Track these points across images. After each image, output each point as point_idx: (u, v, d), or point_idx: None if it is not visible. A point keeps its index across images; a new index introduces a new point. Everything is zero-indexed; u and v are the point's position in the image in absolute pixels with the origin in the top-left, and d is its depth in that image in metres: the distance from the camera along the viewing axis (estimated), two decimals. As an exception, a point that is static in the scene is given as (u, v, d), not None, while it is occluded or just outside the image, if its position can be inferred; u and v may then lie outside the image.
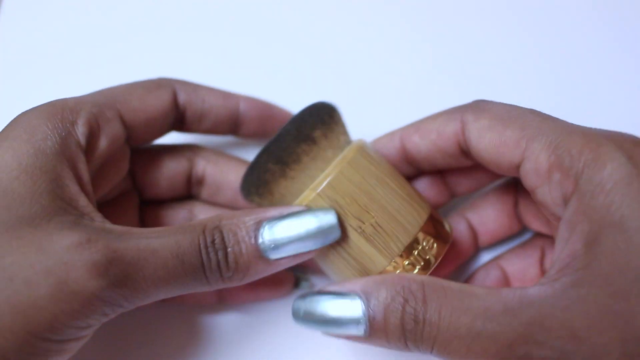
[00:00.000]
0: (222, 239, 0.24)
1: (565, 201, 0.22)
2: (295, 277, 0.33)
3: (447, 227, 0.28)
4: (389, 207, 0.25)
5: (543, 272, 0.31)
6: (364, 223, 0.25)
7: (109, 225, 0.23)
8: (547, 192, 0.23)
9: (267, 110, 0.32)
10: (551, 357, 0.20)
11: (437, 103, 0.37)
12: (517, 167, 0.25)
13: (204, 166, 0.31)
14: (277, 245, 0.24)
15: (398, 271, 0.25)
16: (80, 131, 0.25)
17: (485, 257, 0.34)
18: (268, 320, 0.32)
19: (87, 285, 0.21)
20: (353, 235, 0.25)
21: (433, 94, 0.39)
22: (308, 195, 0.25)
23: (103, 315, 0.22)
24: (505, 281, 0.31)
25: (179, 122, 0.31)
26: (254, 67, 0.39)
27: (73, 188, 0.23)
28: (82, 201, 0.23)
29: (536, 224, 0.31)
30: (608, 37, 0.40)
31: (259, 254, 0.24)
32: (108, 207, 0.29)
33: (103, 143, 0.26)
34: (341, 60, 0.40)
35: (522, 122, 0.24)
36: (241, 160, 0.32)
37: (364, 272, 0.25)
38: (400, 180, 0.27)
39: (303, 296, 0.24)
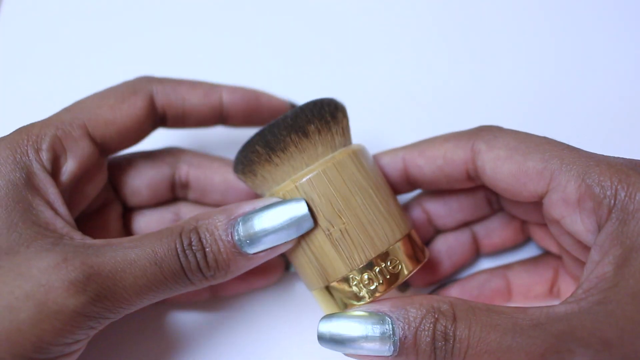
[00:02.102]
0: (200, 239, 0.24)
1: (600, 228, 0.23)
2: (284, 261, 0.32)
3: (423, 252, 0.27)
4: (362, 218, 0.25)
5: (552, 292, 0.31)
6: (333, 227, 0.25)
7: (88, 240, 0.24)
8: (578, 220, 0.24)
9: (253, 100, 0.31)
10: None
11: (440, 109, 0.37)
12: (540, 196, 0.25)
13: (186, 170, 0.31)
14: (253, 240, 0.24)
15: (354, 282, 0.25)
16: (45, 157, 0.25)
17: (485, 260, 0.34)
18: (261, 312, 0.32)
19: (66, 303, 0.22)
20: (320, 236, 0.25)
21: (437, 98, 0.38)
22: (286, 186, 0.25)
23: (90, 329, 0.23)
24: (507, 292, 0.31)
25: (161, 121, 0.30)
26: (264, 69, 0.39)
27: (48, 213, 0.24)
28: (59, 223, 0.24)
29: (545, 242, 0.31)
30: (617, 59, 0.39)
31: (237, 250, 0.24)
32: (91, 218, 0.29)
33: (71, 165, 0.26)
34: (348, 63, 0.39)
35: (542, 153, 0.24)
36: (225, 161, 0.32)
37: (323, 274, 0.25)
38: (385, 194, 0.26)
39: (329, 318, 0.24)
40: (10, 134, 0.26)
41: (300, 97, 0.32)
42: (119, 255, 0.23)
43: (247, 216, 0.24)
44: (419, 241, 0.27)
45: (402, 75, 0.39)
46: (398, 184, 0.29)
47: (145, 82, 0.29)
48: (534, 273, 0.31)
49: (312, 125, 0.25)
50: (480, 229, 0.32)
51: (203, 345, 0.31)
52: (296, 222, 0.24)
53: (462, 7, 0.41)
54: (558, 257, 0.31)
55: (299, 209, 0.24)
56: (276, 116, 0.31)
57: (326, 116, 0.26)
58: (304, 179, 0.25)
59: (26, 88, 0.39)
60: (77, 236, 0.24)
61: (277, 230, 0.24)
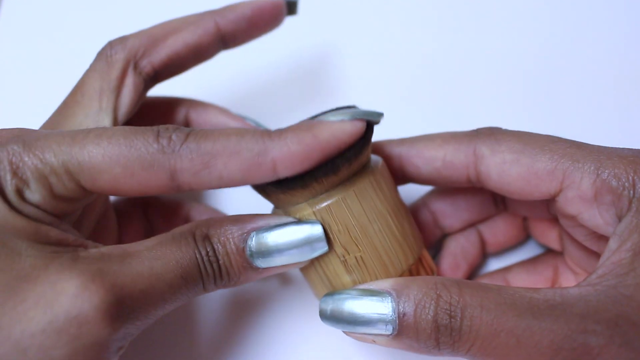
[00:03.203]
0: (214, 251, 0.23)
1: (620, 220, 0.23)
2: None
3: (432, 270, 0.27)
4: (378, 246, 0.24)
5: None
6: (348, 254, 0.24)
7: (103, 249, 0.22)
8: (597, 215, 0.24)
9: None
10: (611, 344, 0.20)
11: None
12: (553, 195, 0.25)
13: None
14: (264, 256, 0.23)
15: None
16: (31, 198, 0.22)
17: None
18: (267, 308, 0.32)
19: (101, 334, 0.21)
20: (335, 261, 0.24)
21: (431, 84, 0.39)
22: (303, 209, 0.24)
23: (119, 349, 0.22)
24: None
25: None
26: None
27: (54, 232, 0.22)
28: (71, 237, 0.22)
29: (545, 238, 0.31)
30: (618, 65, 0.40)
31: (248, 265, 0.24)
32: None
33: (61, 205, 0.23)
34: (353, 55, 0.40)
35: (550, 152, 0.24)
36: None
37: None
38: (400, 215, 0.26)
39: (331, 294, 0.24)
40: None
41: (301, 91, 0.32)
42: (145, 270, 0.22)
43: (261, 232, 0.23)
44: (428, 259, 0.27)
45: (405, 62, 0.39)
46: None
47: (167, 155, 0.22)
48: (533, 273, 0.31)
49: (348, 164, 0.24)
50: (485, 228, 0.32)
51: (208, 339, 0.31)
52: (310, 245, 0.24)
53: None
54: (557, 255, 0.31)
55: (314, 232, 0.24)
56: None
57: (358, 154, 0.24)
58: (323, 205, 0.24)
59: (26, 88, 0.38)
60: (90, 244, 0.23)
61: (290, 251, 0.24)
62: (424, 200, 0.32)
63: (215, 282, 0.24)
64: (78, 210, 0.25)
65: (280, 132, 0.23)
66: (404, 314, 0.21)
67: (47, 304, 0.20)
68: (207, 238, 0.23)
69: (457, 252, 0.31)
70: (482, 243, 0.32)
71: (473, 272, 0.33)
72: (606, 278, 0.22)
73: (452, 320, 0.21)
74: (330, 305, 0.23)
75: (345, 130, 0.23)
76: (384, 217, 0.25)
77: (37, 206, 0.22)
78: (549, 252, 0.32)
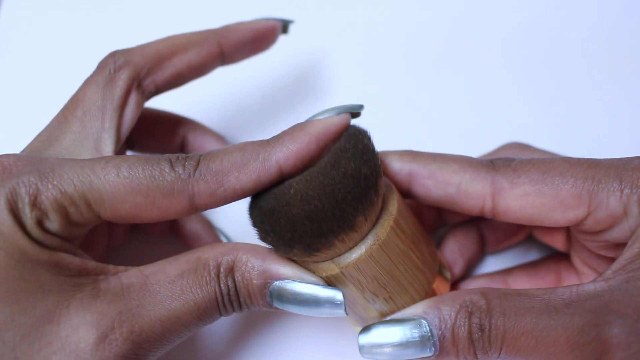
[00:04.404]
0: (236, 290, 0.24)
1: None
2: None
3: (446, 275, 0.28)
4: (405, 283, 0.25)
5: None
6: (377, 297, 0.25)
7: (124, 278, 0.23)
8: (626, 227, 0.24)
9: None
10: (622, 334, 0.22)
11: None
12: (581, 220, 0.25)
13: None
14: (282, 302, 0.24)
15: None
16: (50, 227, 0.23)
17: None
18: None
19: None
20: (364, 303, 0.25)
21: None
22: (329, 268, 0.24)
23: None
24: None
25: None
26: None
27: (75, 262, 0.23)
28: (91, 264, 0.23)
29: (548, 238, 0.31)
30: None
31: (266, 303, 0.25)
32: None
33: (76, 232, 0.24)
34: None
35: (571, 177, 0.25)
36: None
37: (363, 324, 0.25)
38: (419, 242, 0.26)
39: (367, 330, 0.24)
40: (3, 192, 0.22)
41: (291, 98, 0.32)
42: (164, 312, 0.23)
43: (284, 282, 0.24)
44: (443, 262, 0.28)
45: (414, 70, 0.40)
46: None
47: (184, 181, 0.23)
48: (535, 277, 0.31)
49: (361, 217, 0.23)
50: (486, 224, 0.32)
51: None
52: (330, 309, 0.24)
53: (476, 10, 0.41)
54: (560, 260, 0.31)
55: (336, 299, 0.24)
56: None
57: (371, 196, 0.23)
58: (350, 262, 0.24)
59: (26, 88, 0.38)
60: (110, 271, 0.23)
61: (308, 307, 0.24)
62: None
63: (234, 311, 0.25)
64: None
65: (277, 137, 0.24)
66: (444, 336, 0.23)
67: (71, 351, 0.21)
68: (230, 274, 0.24)
69: (454, 249, 0.31)
70: (482, 240, 0.32)
71: (470, 268, 0.33)
72: (619, 272, 0.23)
73: (483, 333, 0.23)
74: (369, 340, 0.24)
75: (334, 122, 0.25)
76: (407, 255, 0.25)
77: (54, 234, 0.23)
78: (551, 256, 0.32)
